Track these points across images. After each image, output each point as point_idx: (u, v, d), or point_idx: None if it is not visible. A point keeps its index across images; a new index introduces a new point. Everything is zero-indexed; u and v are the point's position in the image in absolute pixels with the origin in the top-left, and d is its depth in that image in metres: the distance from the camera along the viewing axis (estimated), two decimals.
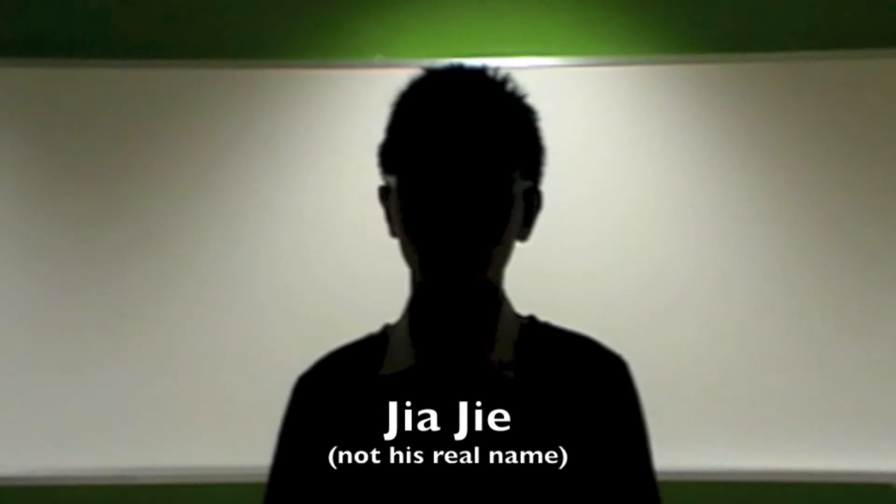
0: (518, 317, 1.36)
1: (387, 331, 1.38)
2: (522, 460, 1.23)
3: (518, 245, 1.34)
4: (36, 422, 3.14)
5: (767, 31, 3.31)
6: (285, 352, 3.06)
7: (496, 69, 1.31)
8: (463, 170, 1.23)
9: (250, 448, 2.97)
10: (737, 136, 3.18)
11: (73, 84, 3.22)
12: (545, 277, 2.94)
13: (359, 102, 3.15)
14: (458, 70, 1.30)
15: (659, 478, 1.31)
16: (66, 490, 3.19)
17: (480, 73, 1.30)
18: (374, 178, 1.35)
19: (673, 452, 2.85)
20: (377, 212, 1.35)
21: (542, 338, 1.34)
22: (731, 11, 3.32)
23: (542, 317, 1.38)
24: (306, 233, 3.17)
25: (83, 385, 3.15)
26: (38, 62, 3.24)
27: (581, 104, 3.20)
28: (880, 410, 3.08)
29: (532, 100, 1.31)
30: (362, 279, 3.08)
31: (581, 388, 1.29)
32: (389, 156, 1.30)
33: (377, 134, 1.33)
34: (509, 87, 1.29)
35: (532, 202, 1.32)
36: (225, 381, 3.15)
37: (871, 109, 3.15)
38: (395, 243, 1.33)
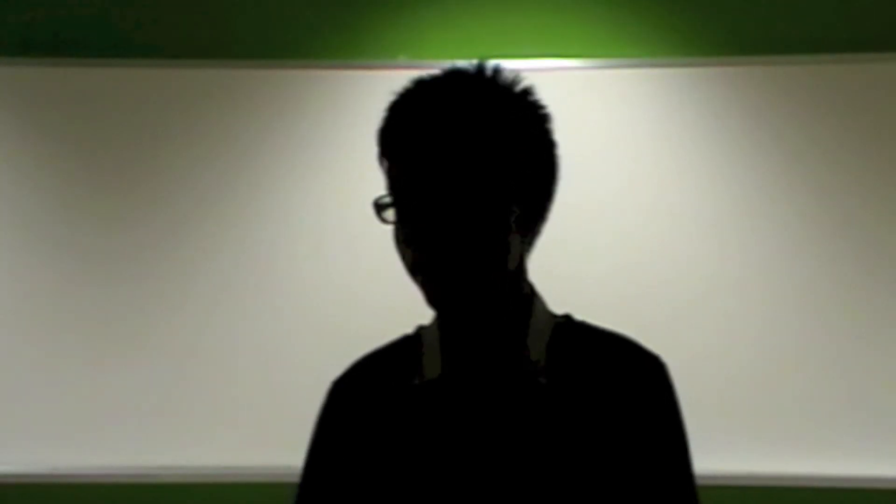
0: (553, 316, 1.34)
1: (420, 333, 1.37)
2: (555, 467, 1.21)
3: (539, 247, 1.32)
4: (56, 419, 3.21)
5: (790, 34, 3.34)
6: (302, 353, 3.14)
7: (502, 69, 1.26)
8: (456, 205, 1.20)
9: (266, 448, 3.11)
10: (758, 138, 3.21)
11: (101, 84, 3.29)
12: (565, 278, 2.94)
13: (382, 102, 3.19)
14: (455, 73, 1.25)
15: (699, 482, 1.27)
16: (85, 487, 3.26)
17: (479, 75, 1.24)
18: None
19: (709, 456, 2.88)
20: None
21: (576, 338, 1.32)
22: (751, 15, 3.36)
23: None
24: (326, 234, 3.23)
25: (102, 383, 3.21)
26: (63, 62, 3.31)
27: (603, 105, 3.24)
28: (885, 420, 3.09)
29: (542, 97, 1.27)
30: (381, 281, 3.13)
31: (617, 391, 1.26)
32: (382, 167, 1.27)
33: None
34: (515, 88, 1.25)
35: (533, 214, 1.28)
36: (242, 382, 3.20)
37: (891, 111, 3.18)
38: None
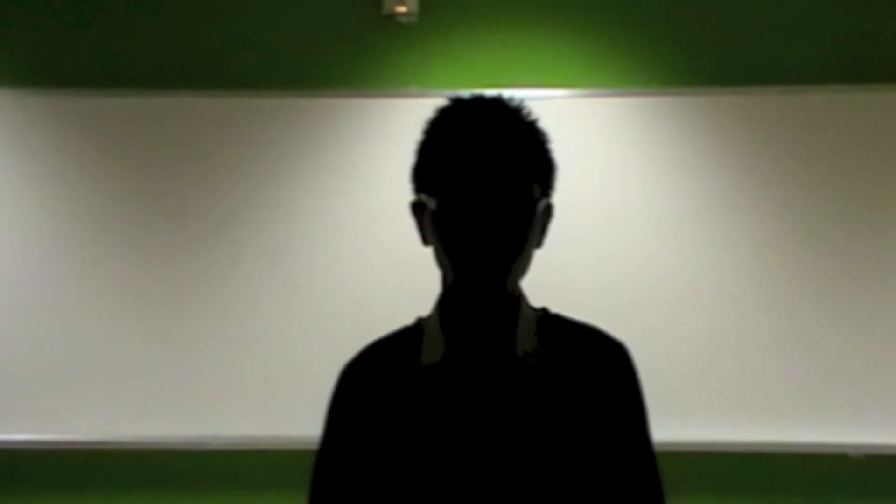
0: (534, 310, 1.43)
1: (421, 323, 1.44)
2: (541, 435, 1.32)
3: (543, 260, 1.43)
4: (126, 395, 3.48)
5: (769, 65, 3.58)
6: (318, 341, 3.42)
7: (511, 98, 1.37)
8: (491, 190, 1.30)
9: (302, 419, 3.16)
10: (732, 158, 3.46)
11: (163, 110, 3.54)
12: (563, 288, 3.10)
13: (396, 126, 3.46)
14: (480, 100, 1.36)
15: (657, 448, 1.41)
16: (149, 453, 3.54)
17: (500, 102, 1.36)
18: (409, 194, 1.43)
19: (672, 426, 3.18)
20: (408, 224, 1.43)
21: (555, 327, 1.42)
22: (734, 47, 3.60)
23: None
24: (342, 242, 3.48)
25: (165, 365, 3.48)
26: (123, 93, 3.57)
27: (594, 131, 3.48)
28: (840, 392, 3.40)
29: (543, 124, 1.38)
30: (384, 282, 3.41)
31: (590, 372, 1.37)
32: (424, 177, 1.37)
33: (412, 155, 1.40)
34: (524, 113, 1.36)
35: (548, 215, 1.40)
36: (289, 360, 3.45)
37: (856, 137, 3.45)
38: (422, 252, 1.41)
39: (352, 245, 3.49)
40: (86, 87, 3.60)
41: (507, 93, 1.38)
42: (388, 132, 3.47)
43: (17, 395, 3.47)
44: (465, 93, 1.38)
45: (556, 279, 2.98)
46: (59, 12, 3.69)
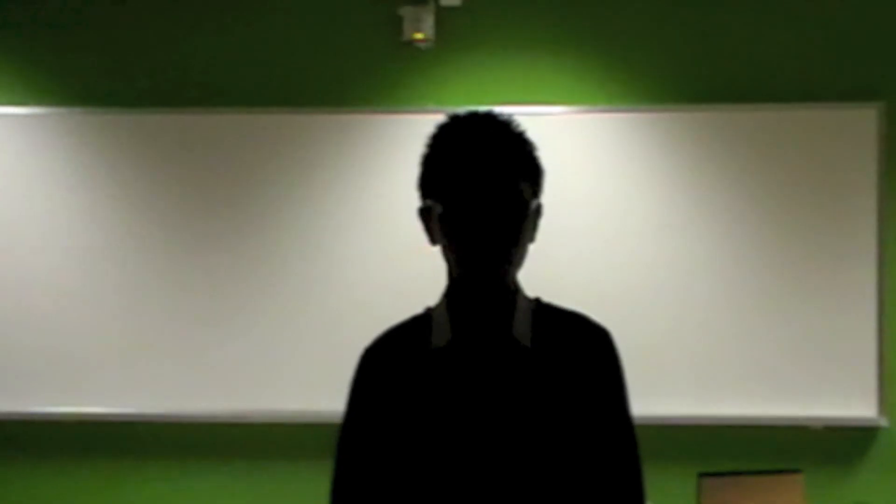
0: (528, 300, 1.52)
1: (429, 312, 1.52)
2: (536, 409, 1.42)
3: (537, 255, 1.56)
4: (173, 372, 3.84)
5: (752, 84, 3.85)
6: (345, 328, 3.76)
7: (501, 113, 1.46)
8: (488, 193, 1.40)
9: (339, 397, 3.55)
10: (708, 166, 3.77)
11: (216, 126, 3.90)
12: (554, 281, 3.56)
13: (415, 140, 3.57)
14: (474, 115, 1.45)
15: (636, 422, 1.50)
16: (193, 426, 3.92)
17: (492, 116, 1.44)
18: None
19: (648, 402, 3.55)
20: (418, 227, 1.53)
21: (547, 315, 1.51)
22: (718, 69, 3.87)
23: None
24: (370, 244, 3.83)
25: (211, 345, 3.84)
26: (175, 111, 3.94)
27: (588, 142, 3.76)
28: (801, 371, 3.72)
29: (531, 134, 1.47)
30: (403, 281, 3.75)
31: (577, 352, 1.46)
32: (429, 185, 1.45)
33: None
34: (513, 125, 1.45)
35: (538, 213, 1.48)
36: (330, 342, 3.79)
37: (814, 153, 3.75)
38: (429, 250, 1.52)
39: (378, 241, 3.82)
40: (143, 106, 3.99)
41: (512, 110, 1.52)
42: (409, 145, 3.79)
43: (85, 373, 3.88)
44: (461, 110, 1.48)
45: (548, 273, 3.26)
46: (118, 39, 4.05)
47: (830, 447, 3.86)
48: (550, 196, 1.52)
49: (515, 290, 1.49)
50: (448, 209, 1.40)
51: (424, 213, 1.47)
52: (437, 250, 1.47)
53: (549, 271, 3.33)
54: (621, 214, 3.84)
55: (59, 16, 4.07)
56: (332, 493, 1.50)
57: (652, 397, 3.72)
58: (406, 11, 3.89)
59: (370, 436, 1.46)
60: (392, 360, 1.48)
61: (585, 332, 1.48)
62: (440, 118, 1.47)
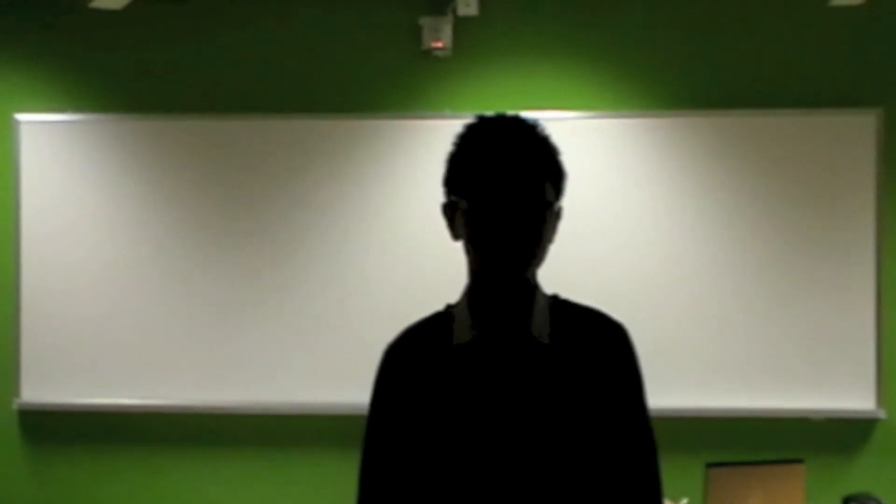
0: (546, 296, 1.51)
1: (450, 309, 1.52)
2: (555, 402, 1.41)
3: (556, 256, 1.58)
4: (195, 365, 3.95)
5: (742, 92, 3.90)
6: (367, 326, 3.85)
7: (528, 118, 1.47)
8: (513, 193, 1.40)
9: (353, 389, 3.78)
10: (714, 173, 3.84)
11: (246, 131, 4.00)
12: (572, 279, 3.70)
13: (434, 144, 3.88)
14: (502, 118, 1.46)
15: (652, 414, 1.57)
16: (215, 417, 4.00)
17: (519, 119, 1.45)
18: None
19: (659, 395, 3.60)
20: (439, 222, 1.65)
21: (565, 311, 1.50)
22: (730, 76, 3.92)
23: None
24: (389, 243, 3.90)
25: (230, 340, 3.94)
26: (209, 116, 4.02)
27: (602, 146, 3.86)
28: (804, 365, 3.80)
29: (555, 139, 1.48)
30: (424, 278, 3.85)
31: (595, 349, 1.46)
32: (455, 182, 1.46)
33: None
34: (539, 129, 1.46)
35: (559, 215, 1.48)
36: (348, 336, 3.88)
37: (815, 156, 3.83)
38: (444, 251, 1.73)
39: (395, 241, 3.91)
40: (180, 112, 4.07)
41: (526, 115, 1.48)
42: (427, 149, 3.93)
43: (124, 367, 4.01)
44: (490, 112, 1.50)
45: (562, 271, 3.42)
46: (157, 47, 4.12)
47: (831, 438, 3.92)
48: (565, 199, 1.54)
49: (534, 287, 1.49)
50: (474, 206, 1.41)
51: (449, 209, 1.49)
52: (451, 251, 1.55)
53: (563, 270, 3.42)
54: (633, 216, 3.92)
55: (87, 22, 4.13)
56: (360, 489, 1.52)
57: (662, 391, 3.81)
58: (425, 21, 3.97)
59: (395, 433, 1.47)
60: (415, 358, 1.48)
61: (602, 327, 1.48)
62: (457, 123, 1.50)
